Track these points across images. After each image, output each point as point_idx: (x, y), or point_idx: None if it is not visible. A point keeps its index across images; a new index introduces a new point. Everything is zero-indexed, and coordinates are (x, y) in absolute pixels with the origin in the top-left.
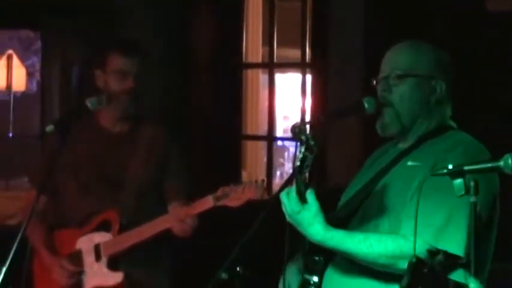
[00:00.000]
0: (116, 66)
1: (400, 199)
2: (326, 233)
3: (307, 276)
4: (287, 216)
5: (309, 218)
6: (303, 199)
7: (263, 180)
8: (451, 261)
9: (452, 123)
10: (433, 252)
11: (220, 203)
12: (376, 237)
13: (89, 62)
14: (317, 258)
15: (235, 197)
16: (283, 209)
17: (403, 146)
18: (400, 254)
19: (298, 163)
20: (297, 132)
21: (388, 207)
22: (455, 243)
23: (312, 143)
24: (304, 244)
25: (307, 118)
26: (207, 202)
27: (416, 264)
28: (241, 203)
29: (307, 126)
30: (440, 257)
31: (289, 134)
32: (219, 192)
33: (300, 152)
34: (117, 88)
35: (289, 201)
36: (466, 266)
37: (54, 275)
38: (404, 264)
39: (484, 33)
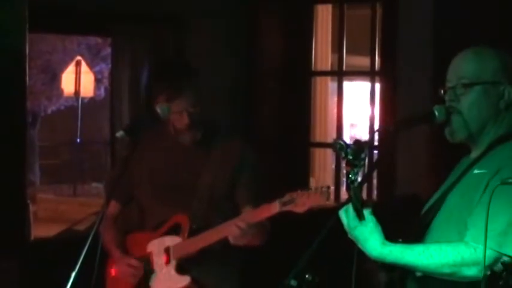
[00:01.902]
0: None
1: (466, 208)
2: (384, 248)
3: None
4: (347, 233)
5: (365, 234)
6: (360, 215)
7: (328, 187)
8: None
9: None
10: (507, 264)
11: (286, 208)
12: (436, 247)
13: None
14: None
15: (300, 203)
16: (343, 226)
17: (474, 155)
18: (461, 262)
19: (346, 179)
20: (337, 148)
21: (456, 218)
22: None
23: (350, 158)
24: None
25: (376, 126)
26: (274, 207)
27: (491, 277)
28: (306, 209)
29: (346, 142)
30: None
31: None
32: (286, 198)
33: (345, 168)
34: (177, 125)
35: (347, 218)
36: None
37: (124, 275)
38: (468, 272)
39: None
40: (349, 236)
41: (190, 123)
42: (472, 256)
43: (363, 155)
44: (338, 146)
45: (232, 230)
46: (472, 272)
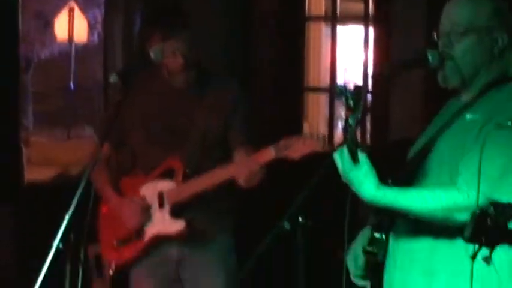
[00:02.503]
0: (160, 49)
1: (458, 153)
2: (377, 192)
3: (375, 234)
4: (341, 176)
5: (359, 177)
6: (355, 158)
7: (324, 136)
8: (507, 212)
9: None
10: (496, 204)
11: (282, 154)
12: (429, 191)
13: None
14: (383, 217)
15: (296, 149)
16: (338, 168)
17: (465, 98)
18: (454, 206)
19: (344, 122)
20: (338, 92)
21: (448, 162)
22: (511, 195)
23: (350, 103)
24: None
25: (369, 71)
26: (269, 152)
27: (480, 216)
28: (301, 155)
29: (348, 86)
30: (502, 208)
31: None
32: (281, 144)
33: (345, 112)
34: (170, 66)
35: (341, 161)
36: None
37: (123, 213)
38: (460, 216)
39: None
40: (343, 179)
41: (184, 64)
42: (465, 201)
43: (362, 100)
44: (338, 90)
45: (242, 173)
46: (464, 216)
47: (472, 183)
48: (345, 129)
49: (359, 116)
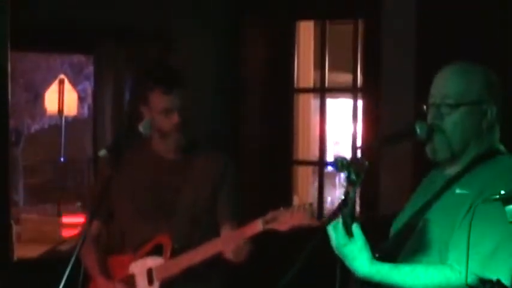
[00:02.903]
0: (159, 105)
1: (448, 228)
2: (372, 268)
3: None
4: (334, 249)
5: (354, 252)
6: (349, 232)
7: (311, 204)
8: None
9: (501, 147)
10: (485, 281)
11: (269, 226)
12: (422, 269)
13: (133, 96)
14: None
15: (283, 221)
16: (331, 242)
17: (450, 172)
18: (447, 284)
19: (342, 197)
20: (339, 166)
21: (437, 237)
22: (501, 273)
23: (353, 177)
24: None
25: (358, 143)
26: (257, 225)
27: None
28: (289, 227)
29: (349, 160)
30: (492, 285)
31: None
32: (268, 216)
33: (344, 186)
34: (164, 125)
35: (336, 235)
36: None
37: None
38: None
39: None
40: (337, 252)
41: (179, 124)
42: (457, 280)
43: (363, 174)
44: (340, 164)
45: (228, 247)
46: None
47: (464, 261)
48: (344, 202)
49: (357, 189)
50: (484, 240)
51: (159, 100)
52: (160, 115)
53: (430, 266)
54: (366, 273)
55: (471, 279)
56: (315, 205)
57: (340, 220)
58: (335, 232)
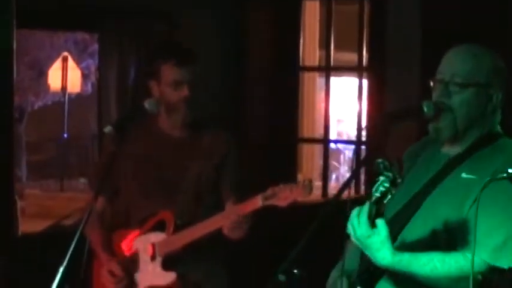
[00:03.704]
0: (170, 77)
1: (455, 211)
2: (394, 258)
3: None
4: (354, 239)
5: (377, 243)
6: (373, 224)
7: (310, 180)
8: (508, 278)
9: (499, 129)
10: (499, 271)
11: (269, 202)
12: (440, 258)
13: (142, 71)
14: (372, 269)
15: (283, 197)
16: (351, 230)
17: (451, 151)
18: (462, 275)
19: (378, 194)
20: (382, 168)
21: (445, 221)
22: None
23: (399, 181)
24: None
25: (363, 122)
26: (256, 201)
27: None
28: (288, 203)
29: (390, 162)
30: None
31: (343, 137)
32: (268, 192)
33: (384, 186)
34: (173, 98)
35: (359, 225)
36: None
37: (107, 281)
38: (462, 284)
39: None
40: (357, 242)
41: (188, 98)
42: (470, 269)
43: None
44: (382, 166)
45: (225, 223)
46: (466, 284)
47: (478, 252)
48: (381, 200)
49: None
50: (496, 229)
51: (170, 72)
52: (169, 88)
53: (447, 255)
54: (388, 264)
55: (482, 268)
56: (320, 183)
57: (364, 210)
58: (358, 223)
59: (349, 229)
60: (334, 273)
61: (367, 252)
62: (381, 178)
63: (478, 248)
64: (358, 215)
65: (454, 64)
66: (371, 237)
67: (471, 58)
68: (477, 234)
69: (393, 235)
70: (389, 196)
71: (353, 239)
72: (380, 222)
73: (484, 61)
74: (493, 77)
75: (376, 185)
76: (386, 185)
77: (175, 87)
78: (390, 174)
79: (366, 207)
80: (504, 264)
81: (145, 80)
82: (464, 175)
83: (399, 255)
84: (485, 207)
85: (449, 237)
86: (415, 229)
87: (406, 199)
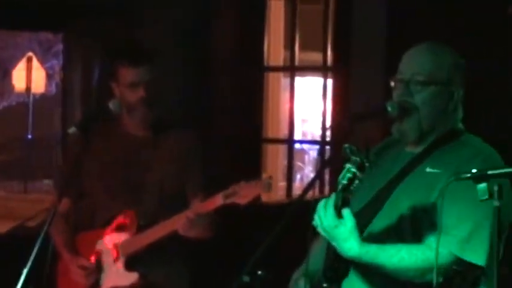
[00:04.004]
0: (126, 78)
1: (421, 206)
2: (361, 249)
3: (325, 285)
4: (321, 230)
5: (345, 234)
6: (339, 214)
7: (270, 177)
8: (473, 271)
9: (461, 126)
10: (460, 271)
11: (230, 200)
12: (407, 249)
13: (105, 72)
14: (337, 266)
15: (243, 194)
16: (317, 222)
17: (413, 150)
18: (428, 267)
19: (345, 181)
20: (348, 152)
21: (411, 215)
22: (479, 254)
23: (367, 164)
24: (328, 252)
25: (328, 122)
26: (217, 199)
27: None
28: (248, 200)
29: (358, 147)
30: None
31: (307, 138)
32: (229, 190)
33: (350, 171)
34: (131, 99)
35: (325, 215)
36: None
37: (72, 275)
38: (429, 276)
39: (505, 37)
40: (324, 233)
41: (145, 98)
42: (439, 263)
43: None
44: (349, 150)
45: (181, 222)
46: (431, 276)
47: (442, 242)
48: (347, 187)
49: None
50: (462, 221)
51: (125, 73)
52: (127, 89)
53: (414, 247)
54: (355, 254)
55: (449, 260)
56: (285, 183)
57: (331, 201)
58: (325, 213)
59: (316, 220)
60: (295, 275)
61: (334, 243)
62: (347, 165)
63: (445, 239)
64: (325, 205)
65: (414, 63)
66: (338, 228)
67: (431, 56)
68: (444, 227)
69: (359, 230)
70: (356, 182)
71: (320, 230)
72: (346, 213)
73: (444, 59)
74: (453, 74)
75: (343, 172)
76: (353, 170)
77: (131, 88)
78: (357, 159)
79: (332, 198)
80: (470, 256)
81: (107, 81)
82: (428, 169)
83: (366, 246)
84: (451, 200)
85: (414, 231)
86: (381, 223)
87: (371, 195)
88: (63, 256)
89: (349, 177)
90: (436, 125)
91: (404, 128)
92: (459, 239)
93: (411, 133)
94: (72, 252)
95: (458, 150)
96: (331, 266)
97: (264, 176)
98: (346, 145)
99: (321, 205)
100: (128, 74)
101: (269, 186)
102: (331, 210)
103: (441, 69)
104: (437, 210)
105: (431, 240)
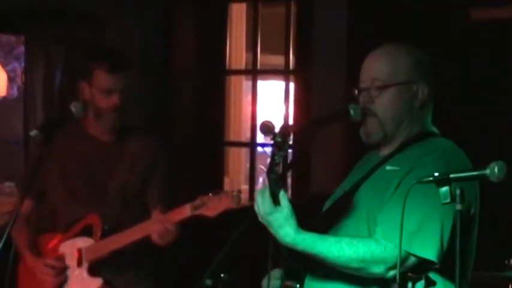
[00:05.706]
0: (102, 84)
1: (376, 204)
2: (297, 236)
3: (288, 283)
4: (260, 217)
5: (280, 220)
6: (276, 201)
7: (239, 191)
8: (424, 266)
9: (434, 129)
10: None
11: (198, 212)
12: (348, 240)
13: (73, 70)
14: (297, 265)
15: (212, 207)
16: (256, 209)
17: (385, 151)
18: (371, 259)
19: (268, 165)
20: (265, 130)
21: (366, 213)
22: (427, 249)
23: (279, 139)
24: (285, 251)
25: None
26: (185, 211)
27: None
28: (217, 213)
29: (275, 125)
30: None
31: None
32: (197, 202)
33: (271, 154)
34: (103, 105)
35: (262, 202)
36: (442, 272)
37: (38, 275)
38: (375, 269)
39: (466, 40)
40: (263, 221)
41: (118, 106)
42: (382, 254)
43: (289, 138)
44: (265, 128)
45: (156, 230)
46: (379, 269)
47: (389, 236)
48: (270, 169)
49: (284, 155)
50: (410, 217)
51: (102, 78)
52: (101, 94)
53: (356, 238)
54: (291, 240)
55: (397, 253)
56: (246, 187)
57: (267, 188)
58: (262, 200)
59: (255, 208)
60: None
61: (271, 231)
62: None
63: (394, 233)
64: (262, 193)
65: (371, 69)
66: (273, 214)
67: (387, 59)
68: (392, 221)
69: (324, 232)
70: (278, 160)
71: (259, 217)
72: (283, 199)
73: (401, 58)
74: (414, 72)
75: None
76: (271, 149)
77: (106, 94)
78: (271, 135)
79: (268, 185)
80: (417, 250)
81: (76, 79)
82: (388, 168)
83: (303, 234)
84: (402, 195)
85: (371, 228)
86: (342, 223)
87: (339, 195)
88: (26, 257)
89: (271, 158)
90: (400, 126)
91: (368, 131)
92: (406, 233)
93: (375, 135)
94: (34, 254)
95: (418, 148)
96: (293, 267)
97: (228, 181)
98: (264, 122)
99: (258, 193)
100: (105, 79)
101: (238, 200)
102: (267, 197)
103: (398, 69)
104: (391, 206)
105: (377, 233)
